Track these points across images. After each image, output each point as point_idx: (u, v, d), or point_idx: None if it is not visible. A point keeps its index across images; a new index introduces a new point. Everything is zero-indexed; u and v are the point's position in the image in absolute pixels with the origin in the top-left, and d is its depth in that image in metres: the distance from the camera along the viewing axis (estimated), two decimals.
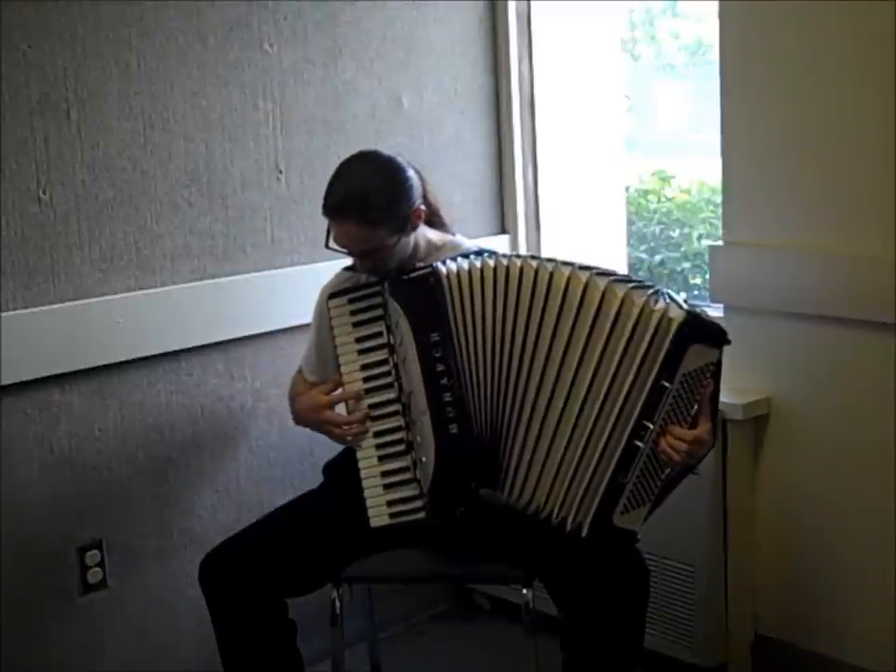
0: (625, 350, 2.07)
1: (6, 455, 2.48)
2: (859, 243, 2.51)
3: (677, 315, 2.04)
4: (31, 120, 2.45)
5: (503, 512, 2.24)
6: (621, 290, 2.08)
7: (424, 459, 2.23)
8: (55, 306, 2.51)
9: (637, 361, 2.06)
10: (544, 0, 3.27)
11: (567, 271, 2.12)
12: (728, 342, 2.09)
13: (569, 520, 2.17)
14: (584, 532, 2.15)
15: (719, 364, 2.10)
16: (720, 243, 2.81)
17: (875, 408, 2.53)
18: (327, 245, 2.30)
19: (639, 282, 2.13)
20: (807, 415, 2.66)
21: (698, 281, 3.57)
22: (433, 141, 3.14)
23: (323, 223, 2.90)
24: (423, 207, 2.32)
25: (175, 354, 2.72)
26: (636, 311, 2.06)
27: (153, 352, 2.67)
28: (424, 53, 3.11)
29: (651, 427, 2.08)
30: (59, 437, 2.57)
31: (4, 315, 2.43)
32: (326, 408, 2.34)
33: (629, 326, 2.06)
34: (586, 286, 2.10)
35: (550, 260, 2.18)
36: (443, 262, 2.24)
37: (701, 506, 2.71)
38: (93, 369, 2.59)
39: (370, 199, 2.22)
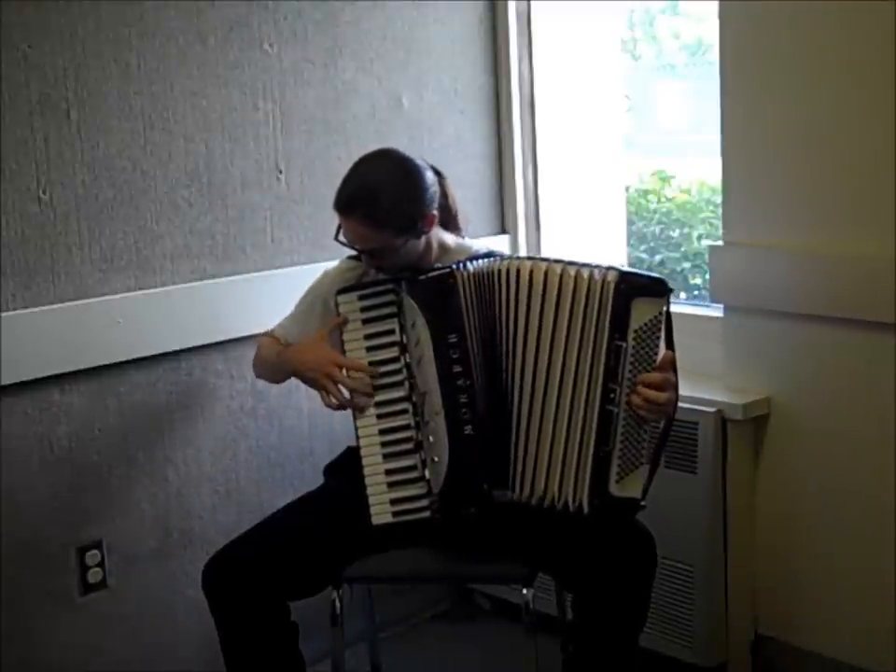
0: (583, 324, 2.17)
1: (6, 455, 2.48)
2: (858, 243, 2.51)
3: (613, 276, 2.15)
4: (31, 120, 2.45)
5: (505, 509, 2.25)
6: (573, 270, 2.18)
7: (436, 459, 2.23)
8: (55, 306, 2.51)
9: (593, 330, 2.16)
10: (544, 0, 3.27)
11: (529, 263, 2.22)
12: (670, 290, 2.17)
13: (570, 502, 2.19)
14: (586, 509, 2.18)
15: (668, 316, 2.17)
16: (720, 243, 2.81)
17: (874, 408, 2.53)
18: (336, 238, 2.31)
19: (591, 264, 2.22)
20: (807, 415, 2.66)
21: (698, 281, 3.57)
22: (433, 141, 3.14)
23: (323, 223, 2.91)
24: (436, 213, 2.33)
25: (175, 354, 2.72)
26: (585, 285, 2.17)
27: (153, 352, 2.67)
28: (424, 53, 3.11)
29: (618, 388, 2.14)
30: (59, 437, 2.57)
31: (4, 315, 2.43)
32: (333, 364, 2.30)
33: (583, 300, 2.17)
34: (546, 273, 2.19)
35: (544, 259, 2.26)
36: (458, 264, 2.25)
37: (701, 506, 2.71)
38: (93, 369, 2.59)
39: (378, 198, 2.24)
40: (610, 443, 2.15)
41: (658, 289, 2.16)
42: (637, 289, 2.14)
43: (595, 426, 2.16)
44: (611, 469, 2.16)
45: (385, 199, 2.24)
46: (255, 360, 2.61)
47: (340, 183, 2.31)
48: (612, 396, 2.14)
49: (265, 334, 2.58)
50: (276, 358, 2.48)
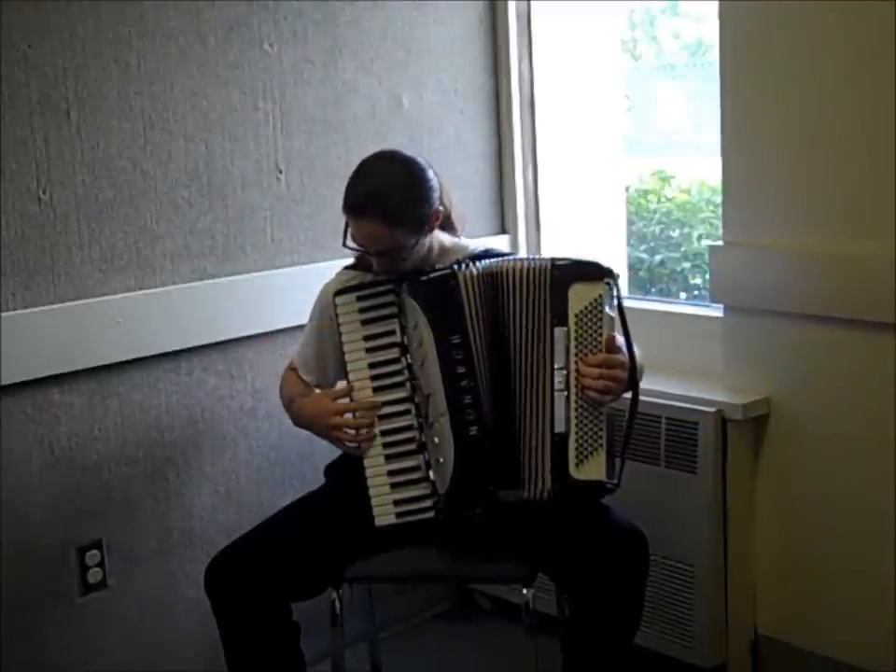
0: (534, 314, 2.22)
1: (6, 455, 2.48)
2: (858, 243, 2.51)
3: (548, 266, 2.24)
4: (31, 120, 2.45)
5: (505, 509, 2.25)
6: (534, 265, 2.25)
7: (441, 460, 2.23)
8: (55, 306, 2.51)
9: (542, 319, 2.22)
10: (544, 0, 3.27)
11: (513, 263, 2.28)
12: (608, 273, 2.21)
13: (538, 490, 2.22)
14: (548, 494, 2.21)
15: (619, 300, 2.22)
16: (720, 243, 2.81)
17: (874, 408, 2.53)
18: (344, 244, 2.31)
19: (547, 258, 2.30)
20: (807, 415, 2.66)
21: (698, 281, 3.57)
22: (433, 141, 3.14)
23: (323, 223, 2.91)
24: (441, 208, 2.33)
25: (175, 354, 2.72)
26: (531, 277, 2.24)
27: (153, 352, 2.67)
28: (424, 53, 3.11)
29: (566, 371, 2.19)
30: (59, 437, 2.57)
31: (4, 314, 2.43)
32: (334, 414, 2.33)
33: (533, 292, 2.23)
34: (515, 271, 2.26)
35: (524, 258, 2.33)
36: (459, 264, 2.26)
37: (701, 506, 2.71)
38: (93, 369, 2.59)
39: (392, 198, 2.24)
40: (564, 427, 2.18)
41: (593, 273, 2.22)
42: (571, 275, 2.21)
43: (550, 412, 2.20)
44: (569, 452, 2.18)
45: (398, 198, 2.24)
46: (281, 398, 2.58)
47: (346, 187, 2.29)
48: (560, 380, 2.19)
49: (287, 366, 2.57)
50: (288, 412, 2.50)
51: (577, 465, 2.18)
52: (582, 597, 2.25)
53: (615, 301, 2.23)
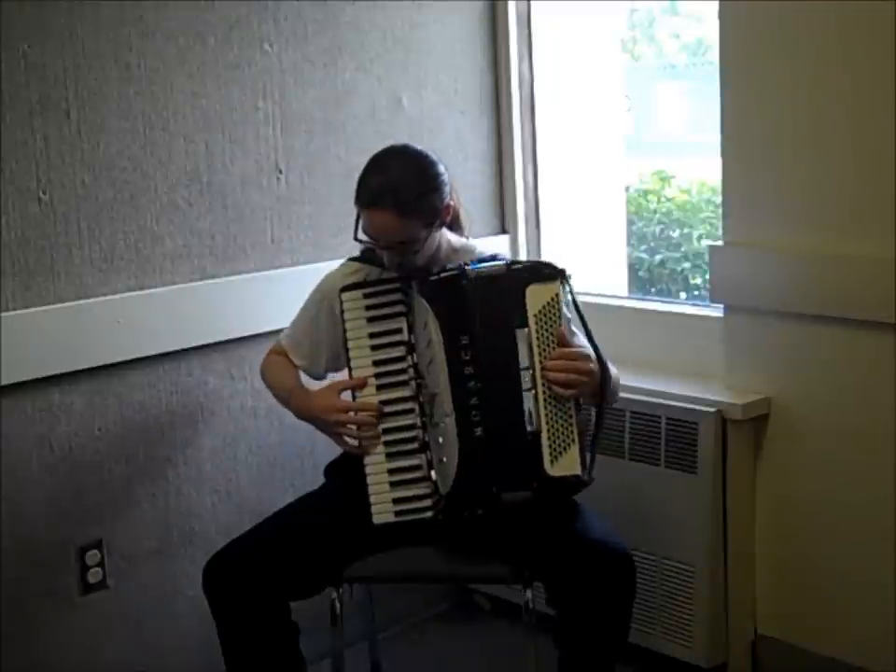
0: (501, 318, 2.23)
1: (6, 455, 2.48)
2: (858, 243, 2.51)
3: (504, 270, 2.26)
4: (31, 120, 2.45)
5: (504, 511, 2.25)
6: (491, 270, 2.26)
7: (444, 460, 2.23)
8: (55, 306, 2.51)
9: (504, 322, 2.22)
10: (544, 0, 3.27)
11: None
12: (560, 272, 2.24)
13: (518, 489, 2.22)
14: (528, 493, 2.21)
15: (573, 297, 2.27)
16: (720, 243, 2.81)
17: (874, 408, 2.53)
18: (356, 237, 2.31)
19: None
20: (807, 415, 2.66)
21: (698, 281, 3.58)
22: (433, 141, 3.13)
23: (323, 223, 2.91)
24: (451, 202, 2.34)
25: (175, 354, 2.72)
26: (496, 282, 2.24)
27: (153, 352, 2.67)
28: (424, 53, 3.11)
29: (532, 371, 2.20)
30: (59, 437, 2.57)
31: (4, 315, 2.43)
32: (342, 412, 2.33)
33: (498, 296, 2.23)
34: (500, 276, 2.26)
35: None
36: (468, 265, 2.27)
37: (701, 506, 2.71)
38: (93, 369, 2.59)
39: (405, 189, 2.24)
40: (534, 425, 2.19)
41: (547, 274, 2.24)
42: (526, 277, 2.23)
43: (520, 411, 2.20)
44: (542, 450, 2.19)
45: (412, 189, 2.25)
46: (265, 379, 2.57)
47: (358, 180, 2.29)
48: (527, 379, 2.20)
49: (273, 349, 2.56)
50: (285, 402, 2.49)
51: (552, 461, 2.19)
52: (569, 613, 2.25)
53: (571, 302, 2.26)
